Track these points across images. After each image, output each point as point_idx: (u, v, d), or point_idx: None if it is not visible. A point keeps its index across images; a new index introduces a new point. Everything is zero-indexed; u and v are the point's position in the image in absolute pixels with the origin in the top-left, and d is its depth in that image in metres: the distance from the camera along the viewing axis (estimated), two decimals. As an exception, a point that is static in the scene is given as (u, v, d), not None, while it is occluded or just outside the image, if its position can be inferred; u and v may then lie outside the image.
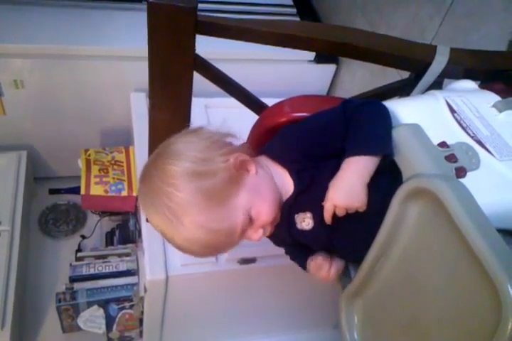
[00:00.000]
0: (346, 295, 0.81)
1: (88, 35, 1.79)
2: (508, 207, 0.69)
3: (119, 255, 1.88)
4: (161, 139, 1.07)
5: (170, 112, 1.02)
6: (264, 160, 0.79)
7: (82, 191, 1.78)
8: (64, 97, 1.90)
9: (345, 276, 0.85)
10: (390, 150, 0.69)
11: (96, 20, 1.87)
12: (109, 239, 2.06)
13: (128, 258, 1.85)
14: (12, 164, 1.99)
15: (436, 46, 0.96)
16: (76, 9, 1.89)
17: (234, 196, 0.71)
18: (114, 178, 1.83)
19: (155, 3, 0.82)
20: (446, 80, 0.97)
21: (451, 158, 0.69)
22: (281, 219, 0.78)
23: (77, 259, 1.87)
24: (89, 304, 1.73)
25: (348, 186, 0.70)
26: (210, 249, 0.72)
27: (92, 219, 2.14)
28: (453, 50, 0.95)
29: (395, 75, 1.21)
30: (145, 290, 1.46)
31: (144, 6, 0.83)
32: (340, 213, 0.72)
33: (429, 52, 0.95)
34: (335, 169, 0.72)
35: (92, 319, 1.76)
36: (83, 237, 2.08)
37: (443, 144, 0.71)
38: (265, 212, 0.73)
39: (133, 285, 1.75)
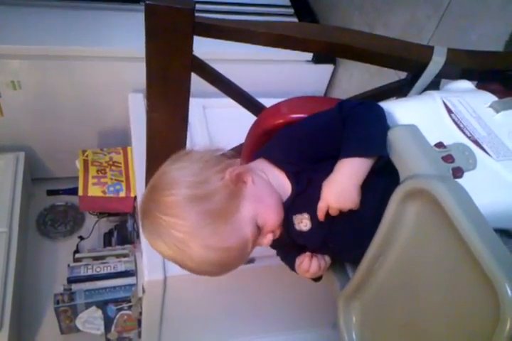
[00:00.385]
0: (344, 295, 0.81)
1: (86, 36, 1.79)
2: (505, 206, 0.69)
3: (117, 256, 1.88)
4: (159, 140, 1.08)
5: (168, 113, 1.02)
6: (261, 164, 0.79)
7: (80, 192, 1.78)
8: (62, 98, 1.90)
9: (342, 277, 0.85)
10: (383, 152, 0.69)
11: (93, 21, 1.87)
12: (107, 239, 2.06)
13: (126, 259, 1.85)
14: (10, 165, 1.99)
15: (433, 46, 0.96)
16: (73, 10, 1.89)
17: (238, 210, 0.70)
18: (112, 179, 1.83)
19: (152, 5, 0.82)
20: (443, 80, 0.98)
21: (448, 159, 0.69)
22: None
23: (75, 260, 1.87)
24: (88, 305, 1.73)
25: (340, 187, 0.71)
26: (226, 266, 0.72)
27: (90, 220, 2.14)
28: (450, 51, 0.95)
29: (393, 76, 1.21)
30: (143, 291, 1.46)
31: (142, 6, 0.83)
32: (334, 213, 0.73)
33: (426, 52, 0.95)
34: (331, 170, 0.73)
35: (91, 320, 1.76)
36: (81, 238, 2.08)
37: (440, 145, 0.71)
38: (271, 217, 0.73)
39: (131, 286, 1.75)
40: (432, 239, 0.63)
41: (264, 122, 0.88)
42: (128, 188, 1.80)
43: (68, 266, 1.81)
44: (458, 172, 0.69)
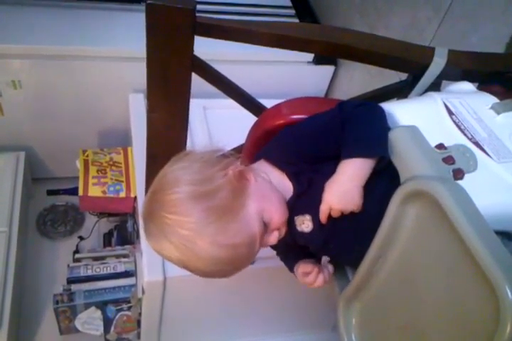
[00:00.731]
0: (344, 297, 0.81)
1: (86, 35, 1.79)
2: (506, 208, 0.69)
3: (117, 256, 1.88)
4: (159, 140, 1.08)
5: (168, 113, 1.02)
6: (262, 165, 0.79)
7: (80, 192, 1.78)
8: (62, 98, 1.90)
9: (342, 278, 0.85)
10: (385, 153, 0.69)
11: (94, 20, 1.87)
12: (107, 240, 2.06)
13: (126, 259, 1.85)
14: (10, 165, 1.99)
15: (434, 48, 0.96)
16: (74, 10, 1.89)
17: (243, 206, 0.70)
18: (112, 179, 1.82)
19: (153, 4, 0.82)
20: (444, 82, 0.97)
21: (448, 160, 0.69)
22: None
23: (75, 260, 1.87)
24: (87, 306, 1.73)
25: (343, 189, 0.71)
26: (235, 264, 0.71)
27: (90, 220, 2.14)
28: (451, 52, 0.95)
29: (394, 77, 1.21)
30: (143, 292, 1.45)
31: (143, 6, 0.83)
32: (335, 215, 0.73)
33: (427, 53, 0.95)
34: (332, 171, 0.73)
35: (90, 321, 1.76)
36: (81, 238, 2.08)
37: (441, 146, 0.71)
38: (277, 214, 0.73)
39: (131, 286, 1.75)
40: (432, 240, 0.63)
41: (264, 123, 0.88)
42: (128, 188, 1.80)
43: (68, 266, 1.81)
44: (458, 174, 0.69)
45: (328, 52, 0.97)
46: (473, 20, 1.28)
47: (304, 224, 0.77)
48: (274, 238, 0.75)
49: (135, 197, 1.77)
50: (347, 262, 0.85)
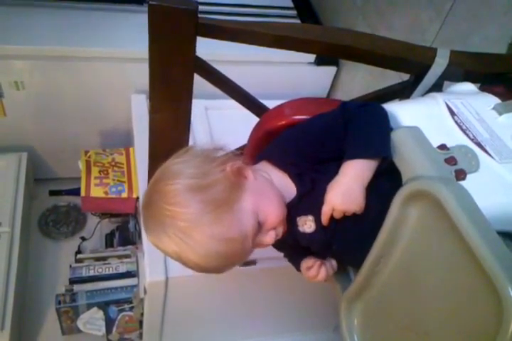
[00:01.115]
0: (346, 298, 0.81)
1: (89, 36, 1.80)
2: (508, 209, 0.69)
3: (119, 257, 1.88)
4: (162, 140, 1.08)
5: (170, 114, 1.02)
6: (264, 166, 0.79)
7: (82, 193, 1.78)
8: (64, 99, 1.90)
9: (344, 279, 0.85)
10: (387, 153, 0.70)
11: (97, 21, 1.87)
12: (109, 240, 2.06)
13: (128, 259, 1.85)
14: (12, 165, 1.99)
15: (436, 48, 0.96)
16: (77, 11, 1.90)
17: (239, 201, 0.70)
18: (114, 180, 1.83)
19: (156, 5, 0.82)
20: (446, 82, 0.98)
21: (450, 161, 0.69)
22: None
23: (77, 261, 1.87)
24: (89, 306, 1.73)
25: (346, 190, 0.71)
26: (227, 260, 0.71)
27: (92, 220, 2.14)
28: (453, 53, 0.95)
29: (395, 77, 1.21)
30: (145, 292, 1.45)
31: (145, 8, 0.83)
32: (338, 216, 0.73)
33: (429, 54, 0.95)
34: (335, 172, 0.73)
35: (92, 321, 1.76)
36: (83, 239, 2.08)
37: (443, 147, 0.71)
38: (272, 213, 0.73)
39: (133, 287, 1.75)
40: (434, 240, 0.63)
41: (266, 123, 0.88)
42: (130, 189, 1.80)
43: (70, 266, 1.81)
44: (461, 175, 0.69)
45: (330, 52, 0.97)
46: (475, 21, 1.28)
47: (307, 224, 0.77)
48: (270, 238, 0.74)
49: (137, 198, 1.78)
50: (349, 262, 0.85)
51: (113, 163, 1.89)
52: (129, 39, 1.68)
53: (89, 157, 1.89)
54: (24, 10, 1.83)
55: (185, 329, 1.69)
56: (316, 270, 0.81)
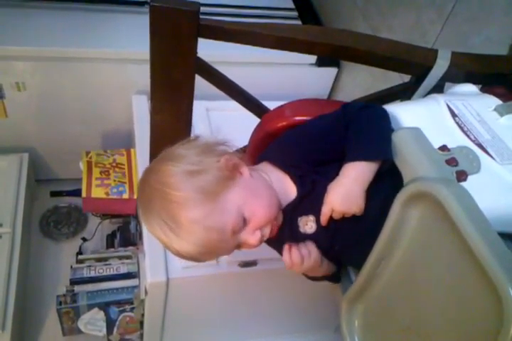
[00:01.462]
0: (347, 299, 0.81)
1: (90, 37, 1.80)
2: (509, 210, 0.69)
3: (120, 257, 1.88)
4: (163, 141, 1.07)
5: (171, 115, 1.02)
6: (264, 167, 0.80)
7: (83, 194, 1.78)
8: (66, 99, 1.91)
9: (345, 280, 0.85)
10: (388, 155, 0.70)
11: (98, 22, 1.87)
12: (110, 241, 2.06)
13: (129, 260, 1.85)
14: (14, 166, 1.99)
15: (437, 50, 0.96)
16: (78, 12, 1.90)
17: (226, 193, 0.72)
18: (115, 181, 1.83)
19: (158, 7, 0.82)
20: (447, 84, 0.98)
21: (451, 162, 0.69)
22: (284, 222, 0.78)
23: (78, 262, 1.87)
24: (90, 307, 1.73)
25: (346, 191, 0.71)
26: (204, 248, 0.72)
27: (93, 221, 2.14)
28: (454, 54, 0.95)
29: (397, 78, 1.21)
30: (146, 293, 1.46)
31: (147, 9, 0.83)
32: (337, 217, 0.73)
33: (430, 55, 0.95)
34: (336, 173, 0.73)
35: (93, 322, 1.76)
36: (84, 239, 2.08)
37: (444, 148, 0.71)
38: (259, 212, 0.73)
39: (134, 287, 1.75)
40: (435, 242, 0.63)
41: (267, 124, 0.88)
42: (131, 190, 1.80)
43: (71, 267, 1.81)
44: (462, 176, 0.69)
45: (331, 54, 0.97)
46: (476, 22, 1.28)
47: (308, 225, 0.77)
48: (255, 238, 0.74)
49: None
50: (351, 263, 0.84)
51: (114, 164, 1.89)
52: (130, 40, 1.68)
53: (90, 158, 1.89)
54: (25, 11, 1.83)
55: (186, 330, 1.69)
56: (287, 255, 0.77)
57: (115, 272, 1.80)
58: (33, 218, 2.13)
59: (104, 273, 1.80)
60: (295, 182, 0.77)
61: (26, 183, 1.98)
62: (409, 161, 0.67)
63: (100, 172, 1.85)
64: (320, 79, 2.07)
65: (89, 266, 1.82)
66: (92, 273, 1.80)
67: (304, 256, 0.76)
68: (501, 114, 0.78)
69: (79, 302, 1.72)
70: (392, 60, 0.96)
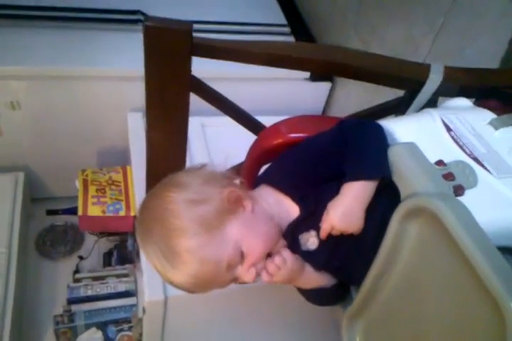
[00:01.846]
0: (348, 314, 0.80)
1: (84, 56, 1.80)
2: (507, 224, 0.69)
3: (117, 276, 1.87)
4: (159, 159, 1.08)
5: (167, 132, 1.03)
6: (264, 190, 0.80)
7: (80, 212, 1.77)
8: (61, 118, 1.91)
9: (346, 297, 0.84)
10: (387, 173, 0.70)
11: (92, 41, 1.88)
12: (107, 259, 2.05)
13: (126, 278, 1.84)
14: (9, 185, 1.98)
15: (429, 64, 0.97)
16: (72, 30, 1.90)
17: (225, 226, 0.71)
18: (111, 198, 1.82)
19: (152, 26, 0.83)
20: (440, 98, 0.98)
21: (448, 177, 0.69)
22: (286, 242, 0.78)
23: (75, 280, 1.86)
24: (88, 326, 1.72)
25: (347, 211, 0.71)
26: (199, 280, 0.71)
27: (90, 239, 2.13)
28: (447, 68, 0.96)
29: (390, 93, 1.22)
30: (144, 312, 1.44)
31: (140, 26, 0.84)
32: (336, 233, 0.73)
33: (423, 71, 0.96)
34: (336, 191, 0.73)
35: (91, 341, 1.74)
36: (81, 258, 2.07)
37: (440, 162, 0.71)
38: (257, 247, 0.73)
39: (131, 306, 1.74)
40: (434, 257, 0.63)
41: (263, 142, 0.89)
42: (128, 207, 1.80)
43: (68, 286, 1.80)
44: (459, 190, 0.69)
45: (324, 70, 0.98)
46: (467, 35, 1.29)
47: (309, 241, 0.77)
48: (250, 276, 0.73)
49: (135, 216, 1.77)
50: (352, 280, 0.84)
51: (110, 182, 1.89)
52: (124, 57, 1.68)
53: (86, 175, 1.89)
54: (18, 30, 1.84)
55: (185, 349, 1.67)
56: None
57: (112, 290, 1.79)
58: (29, 237, 2.11)
59: (102, 292, 1.79)
60: (297, 204, 0.77)
61: (22, 202, 1.97)
62: (406, 176, 0.67)
63: (96, 190, 1.84)
64: (314, 94, 2.08)
65: (87, 285, 1.81)
66: (89, 292, 1.79)
67: (278, 264, 0.74)
68: (496, 128, 0.78)
69: (76, 321, 1.71)
70: (384, 76, 0.97)
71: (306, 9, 2.26)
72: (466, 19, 1.29)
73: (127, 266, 1.93)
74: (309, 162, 0.77)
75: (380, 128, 0.76)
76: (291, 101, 2.01)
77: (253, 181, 0.84)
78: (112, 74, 1.83)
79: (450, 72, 0.95)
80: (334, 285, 0.82)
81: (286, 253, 0.76)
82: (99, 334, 1.73)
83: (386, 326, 0.74)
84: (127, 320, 1.72)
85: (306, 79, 2.03)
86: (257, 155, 0.90)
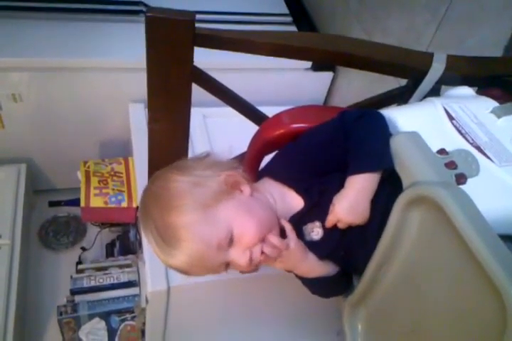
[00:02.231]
0: (349, 303, 0.81)
1: (86, 47, 1.80)
2: (509, 212, 0.69)
3: (120, 266, 1.87)
4: (161, 149, 1.08)
5: (169, 123, 1.02)
6: (268, 183, 0.80)
7: (82, 203, 1.77)
8: (62, 109, 1.90)
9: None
10: (390, 164, 0.70)
11: (93, 32, 1.87)
12: (109, 250, 2.06)
13: (129, 269, 1.84)
14: (11, 177, 1.99)
15: (433, 53, 0.96)
16: (73, 22, 1.90)
17: (219, 206, 0.73)
18: (113, 189, 1.82)
19: (153, 17, 0.82)
20: (443, 87, 0.98)
21: (450, 165, 0.69)
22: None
23: (78, 271, 1.86)
24: (91, 316, 1.73)
25: (353, 203, 0.72)
26: (193, 259, 0.72)
27: (92, 230, 2.14)
28: (449, 57, 0.96)
29: (393, 82, 1.21)
30: (146, 302, 1.45)
31: (142, 17, 0.83)
32: (342, 227, 0.74)
33: (426, 59, 0.95)
34: (340, 182, 0.74)
35: (94, 331, 1.75)
36: (83, 249, 2.08)
37: (442, 151, 0.71)
38: (249, 233, 0.73)
39: (134, 296, 1.74)
40: (436, 245, 0.63)
41: (265, 133, 0.88)
42: (130, 198, 1.80)
43: (71, 277, 1.81)
44: (461, 179, 0.69)
45: (327, 60, 0.97)
46: (470, 24, 1.28)
47: (314, 231, 0.77)
48: (245, 259, 0.73)
49: (137, 207, 1.77)
50: (355, 269, 0.84)
51: (112, 173, 1.89)
52: (126, 49, 1.68)
53: (88, 167, 1.89)
54: (19, 22, 1.83)
55: (188, 338, 1.68)
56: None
57: (115, 281, 1.80)
58: (32, 229, 2.12)
59: (105, 283, 1.79)
60: (301, 195, 0.77)
61: (24, 194, 1.97)
62: (408, 165, 0.67)
63: (98, 182, 1.84)
64: (316, 84, 2.07)
65: (89, 276, 1.81)
66: (92, 283, 1.79)
67: (277, 244, 0.74)
68: (498, 116, 0.78)
69: (79, 312, 1.72)
70: (389, 65, 0.97)
71: (307, -1, 2.24)
72: (469, 8, 1.28)
73: (130, 256, 1.93)
74: (312, 154, 0.77)
75: (382, 118, 0.75)
76: (293, 91, 2.00)
77: (255, 171, 0.84)
78: (114, 65, 1.82)
79: (453, 61, 0.95)
80: (338, 272, 0.82)
81: (292, 235, 0.77)
82: (102, 324, 1.74)
83: (388, 313, 0.74)
84: (130, 310, 1.73)
85: (307, 69, 2.02)
86: (259, 145, 0.90)
